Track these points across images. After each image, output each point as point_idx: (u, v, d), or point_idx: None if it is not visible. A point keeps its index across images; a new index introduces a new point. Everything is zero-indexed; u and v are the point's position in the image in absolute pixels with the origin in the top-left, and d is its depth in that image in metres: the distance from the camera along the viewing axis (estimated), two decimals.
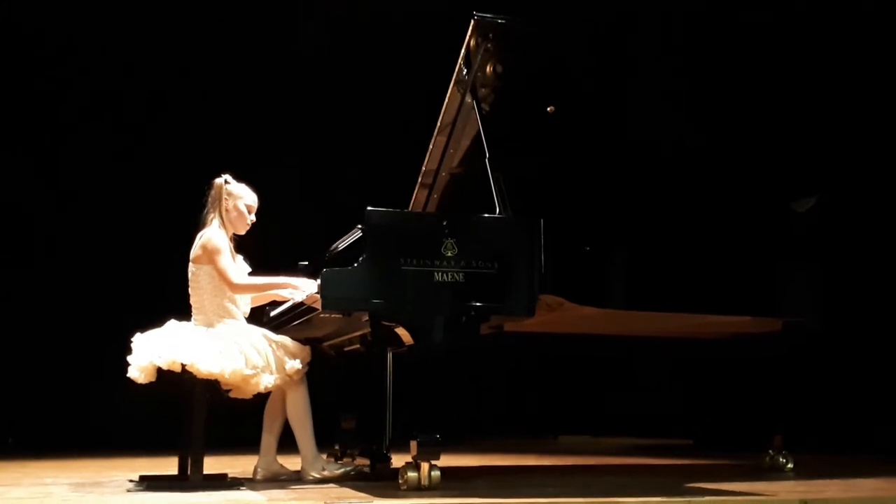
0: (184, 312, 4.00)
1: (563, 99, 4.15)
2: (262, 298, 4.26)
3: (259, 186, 4.18)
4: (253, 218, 4.09)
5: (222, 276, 3.89)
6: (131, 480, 3.96)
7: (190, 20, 7.72)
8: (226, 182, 4.04)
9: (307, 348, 4.05)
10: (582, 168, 4.10)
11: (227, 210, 4.02)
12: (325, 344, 4.60)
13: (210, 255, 3.90)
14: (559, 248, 3.67)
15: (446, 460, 3.57)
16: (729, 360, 5.47)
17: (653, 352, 6.18)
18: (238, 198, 4.04)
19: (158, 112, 7.72)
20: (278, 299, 4.28)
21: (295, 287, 3.90)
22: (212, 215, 4.01)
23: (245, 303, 4.06)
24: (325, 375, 4.45)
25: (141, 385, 3.79)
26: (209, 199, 4.04)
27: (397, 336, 3.71)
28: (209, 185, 4.05)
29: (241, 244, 4.13)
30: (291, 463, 4.17)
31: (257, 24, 7.91)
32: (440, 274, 3.54)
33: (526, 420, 8.35)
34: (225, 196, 4.02)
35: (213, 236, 3.93)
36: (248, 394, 3.88)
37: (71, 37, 7.73)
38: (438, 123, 4.37)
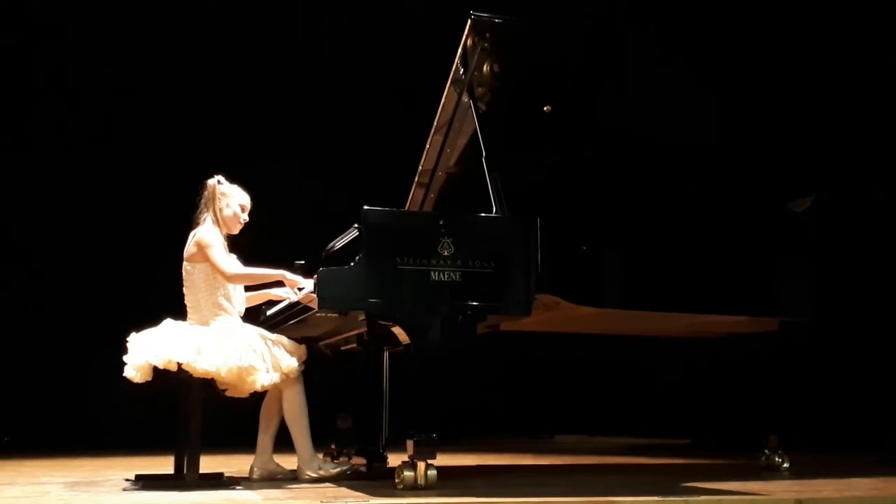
0: (179, 312, 4.00)
1: (560, 98, 4.14)
2: (258, 298, 4.26)
3: (256, 185, 4.20)
4: (246, 218, 4.11)
5: (216, 267, 3.89)
6: (127, 479, 3.96)
7: (188, 18, 7.71)
8: (218, 182, 4.06)
9: (303, 347, 4.05)
10: (579, 167, 4.10)
11: (220, 210, 4.03)
12: (322, 343, 4.60)
13: (203, 249, 3.91)
14: (556, 247, 3.66)
15: (443, 459, 3.57)
16: (726, 359, 5.47)
17: (649, 351, 6.18)
18: (230, 198, 4.06)
19: (155, 111, 7.70)
20: (274, 298, 4.29)
21: (290, 281, 3.90)
22: (205, 215, 4.03)
23: (240, 301, 4.06)
24: (321, 375, 4.45)
25: (137, 384, 3.79)
26: (202, 200, 4.06)
27: (394, 335, 3.71)
28: (202, 185, 4.07)
29: (238, 242, 4.13)
30: (288, 462, 4.16)
31: (255, 22, 7.91)
32: (437, 273, 3.54)
33: (522, 419, 8.35)
34: (218, 196, 4.04)
35: (206, 233, 3.95)
36: (244, 393, 3.88)
37: (66, 34, 7.72)
38: (435, 123, 4.36)
